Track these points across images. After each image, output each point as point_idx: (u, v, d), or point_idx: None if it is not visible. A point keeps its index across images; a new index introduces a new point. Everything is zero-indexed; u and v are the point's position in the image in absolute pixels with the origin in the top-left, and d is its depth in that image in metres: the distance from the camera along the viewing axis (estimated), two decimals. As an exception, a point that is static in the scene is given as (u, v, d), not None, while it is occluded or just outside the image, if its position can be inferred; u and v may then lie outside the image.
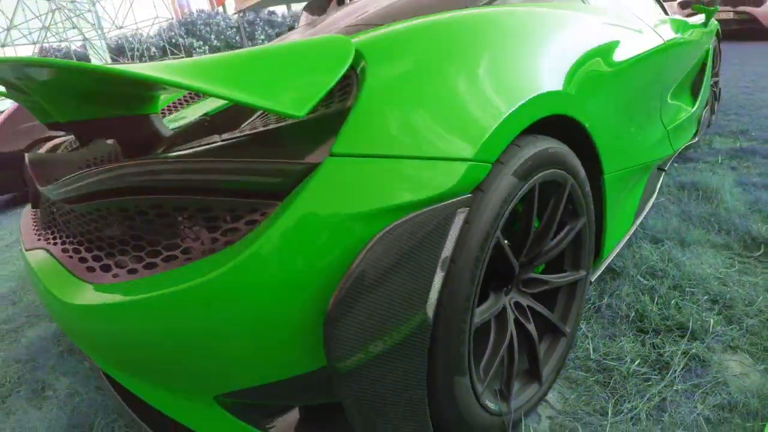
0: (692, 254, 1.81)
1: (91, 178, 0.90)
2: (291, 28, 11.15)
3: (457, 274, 0.83)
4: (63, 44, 19.86)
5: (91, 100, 0.95)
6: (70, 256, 1.00)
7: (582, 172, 1.21)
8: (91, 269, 0.92)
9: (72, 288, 0.90)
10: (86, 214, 1.00)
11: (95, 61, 19.26)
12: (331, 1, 9.49)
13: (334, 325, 0.72)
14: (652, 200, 1.99)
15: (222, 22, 27.96)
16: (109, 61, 19.05)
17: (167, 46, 21.38)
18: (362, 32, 1.03)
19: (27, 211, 1.52)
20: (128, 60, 19.74)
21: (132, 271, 0.85)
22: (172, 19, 23.63)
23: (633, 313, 1.51)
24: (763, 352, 1.33)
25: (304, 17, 10.89)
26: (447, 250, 0.80)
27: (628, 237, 1.70)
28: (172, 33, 22.92)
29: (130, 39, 21.44)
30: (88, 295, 0.85)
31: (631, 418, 1.17)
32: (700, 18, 2.96)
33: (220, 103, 1.36)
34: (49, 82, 0.90)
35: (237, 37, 27.06)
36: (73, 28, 18.04)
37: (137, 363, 0.89)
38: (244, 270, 0.72)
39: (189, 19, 24.73)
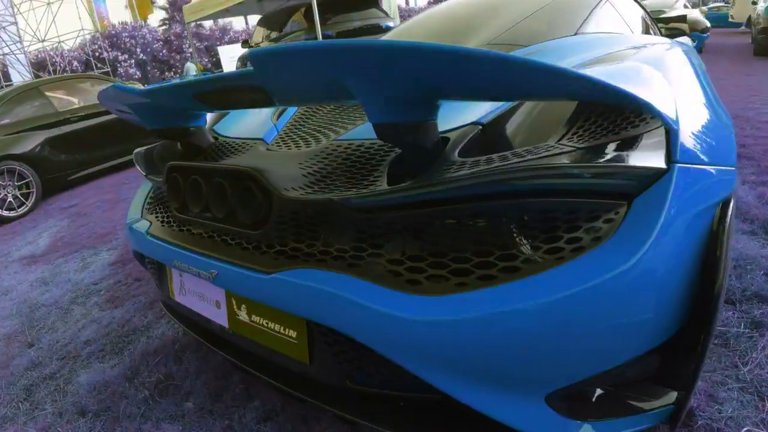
0: (736, 241, 2.14)
1: (444, 185, 0.88)
2: (245, 42, 10.92)
3: None
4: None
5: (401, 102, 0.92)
6: (373, 270, 0.96)
7: None
8: (413, 282, 0.91)
9: (400, 302, 0.89)
10: (398, 223, 0.98)
11: (15, 76, 17.86)
12: (290, 17, 9.41)
13: (717, 296, 0.90)
14: None
15: (148, 35, 26.93)
16: (31, 76, 17.73)
17: (91, 60, 20.23)
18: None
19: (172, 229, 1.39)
20: (50, 75, 18.50)
21: (486, 278, 0.87)
22: (97, 32, 22.38)
23: (719, 291, 1.81)
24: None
25: (261, 32, 10.71)
26: None
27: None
28: (96, 46, 21.76)
29: (52, 53, 20.09)
30: (435, 308, 0.86)
31: (757, 365, 1.46)
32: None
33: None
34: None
35: (164, 50, 26.15)
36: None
37: (479, 369, 0.89)
38: (638, 266, 0.83)
39: (113, 32, 23.57)
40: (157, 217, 1.53)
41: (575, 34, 1.76)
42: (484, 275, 0.88)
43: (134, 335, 2.19)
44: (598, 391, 1.01)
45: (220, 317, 1.28)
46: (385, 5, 13.13)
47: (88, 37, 22.02)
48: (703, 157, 1.02)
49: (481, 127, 1.13)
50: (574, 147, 0.95)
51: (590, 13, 1.91)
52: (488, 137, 1.11)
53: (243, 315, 1.21)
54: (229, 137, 1.64)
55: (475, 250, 0.91)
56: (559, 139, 1.01)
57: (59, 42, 19.83)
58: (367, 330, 0.94)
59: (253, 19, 17.80)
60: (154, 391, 1.74)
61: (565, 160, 0.90)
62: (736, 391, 1.39)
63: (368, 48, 0.78)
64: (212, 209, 1.21)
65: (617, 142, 0.96)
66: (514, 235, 0.90)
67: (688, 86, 1.25)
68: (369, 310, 0.91)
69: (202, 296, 1.32)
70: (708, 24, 3.30)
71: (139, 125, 1.53)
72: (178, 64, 25.60)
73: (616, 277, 0.83)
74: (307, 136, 1.42)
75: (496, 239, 0.91)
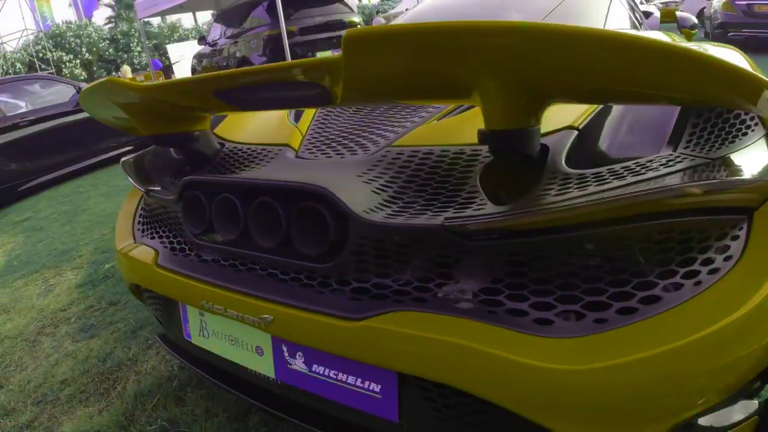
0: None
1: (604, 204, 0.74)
2: (202, 38, 10.48)
3: None
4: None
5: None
6: (491, 309, 0.81)
7: None
8: (543, 321, 0.77)
9: (535, 347, 0.75)
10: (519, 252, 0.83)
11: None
12: (249, 12, 9.10)
13: None
14: None
15: (94, 34, 25.67)
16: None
17: (35, 61, 19.13)
18: None
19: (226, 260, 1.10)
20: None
21: (626, 311, 0.74)
22: (40, 31, 21.20)
23: None
24: None
25: (219, 29, 10.32)
26: None
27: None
28: (40, 46, 20.56)
29: (-6, 55, 18.87)
30: (580, 353, 0.73)
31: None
32: None
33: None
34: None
35: (111, 49, 25.04)
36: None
37: (620, 415, 0.77)
38: None
39: (57, 31, 22.33)
40: (162, 242, 1.27)
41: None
42: (623, 308, 0.75)
43: (120, 371, 1.92)
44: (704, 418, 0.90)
45: (262, 366, 1.06)
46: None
47: (31, 37, 20.83)
48: None
49: (576, 131, 0.98)
50: (707, 158, 0.85)
51: (609, 9, 1.86)
52: (586, 143, 0.97)
53: (298, 364, 1.00)
54: (239, 143, 1.41)
55: (608, 279, 0.78)
56: (675, 149, 0.91)
57: (1, 43, 18.66)
58: (493, 385, 0.79)
59: (202, 16, 17.21)
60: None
61: (699, 173, 0.81)
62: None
63: (544, 32, 0.61)
64: (256, 237, 0.96)
65: (737, 152, 0.88)
66: (646, 259, 0.79)
67: None
68: (495, 359, 0.76)
69: (235, 341, 1.10)
70: (695, 21, 3.26)
71: (129, 131, 1.30)
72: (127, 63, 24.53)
73: (759, 299, 0.74)
74: (346, 141, 1.21)
75: (629, 265, 0.79)
